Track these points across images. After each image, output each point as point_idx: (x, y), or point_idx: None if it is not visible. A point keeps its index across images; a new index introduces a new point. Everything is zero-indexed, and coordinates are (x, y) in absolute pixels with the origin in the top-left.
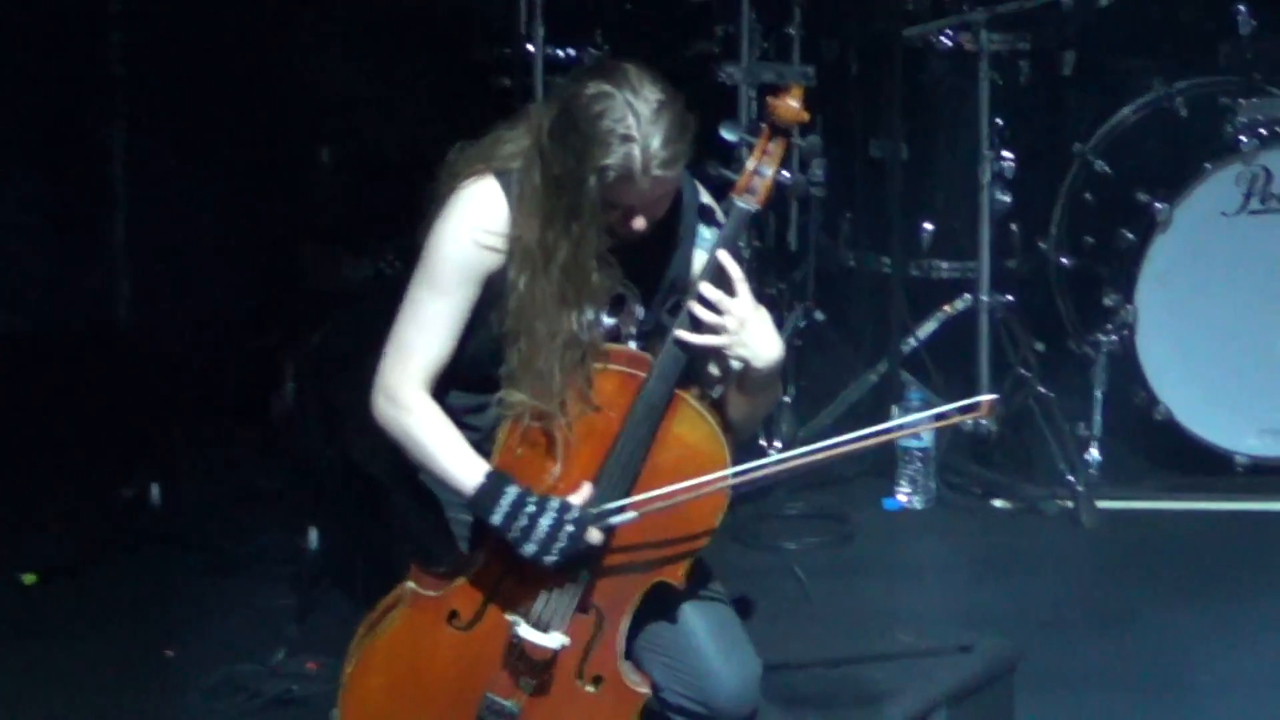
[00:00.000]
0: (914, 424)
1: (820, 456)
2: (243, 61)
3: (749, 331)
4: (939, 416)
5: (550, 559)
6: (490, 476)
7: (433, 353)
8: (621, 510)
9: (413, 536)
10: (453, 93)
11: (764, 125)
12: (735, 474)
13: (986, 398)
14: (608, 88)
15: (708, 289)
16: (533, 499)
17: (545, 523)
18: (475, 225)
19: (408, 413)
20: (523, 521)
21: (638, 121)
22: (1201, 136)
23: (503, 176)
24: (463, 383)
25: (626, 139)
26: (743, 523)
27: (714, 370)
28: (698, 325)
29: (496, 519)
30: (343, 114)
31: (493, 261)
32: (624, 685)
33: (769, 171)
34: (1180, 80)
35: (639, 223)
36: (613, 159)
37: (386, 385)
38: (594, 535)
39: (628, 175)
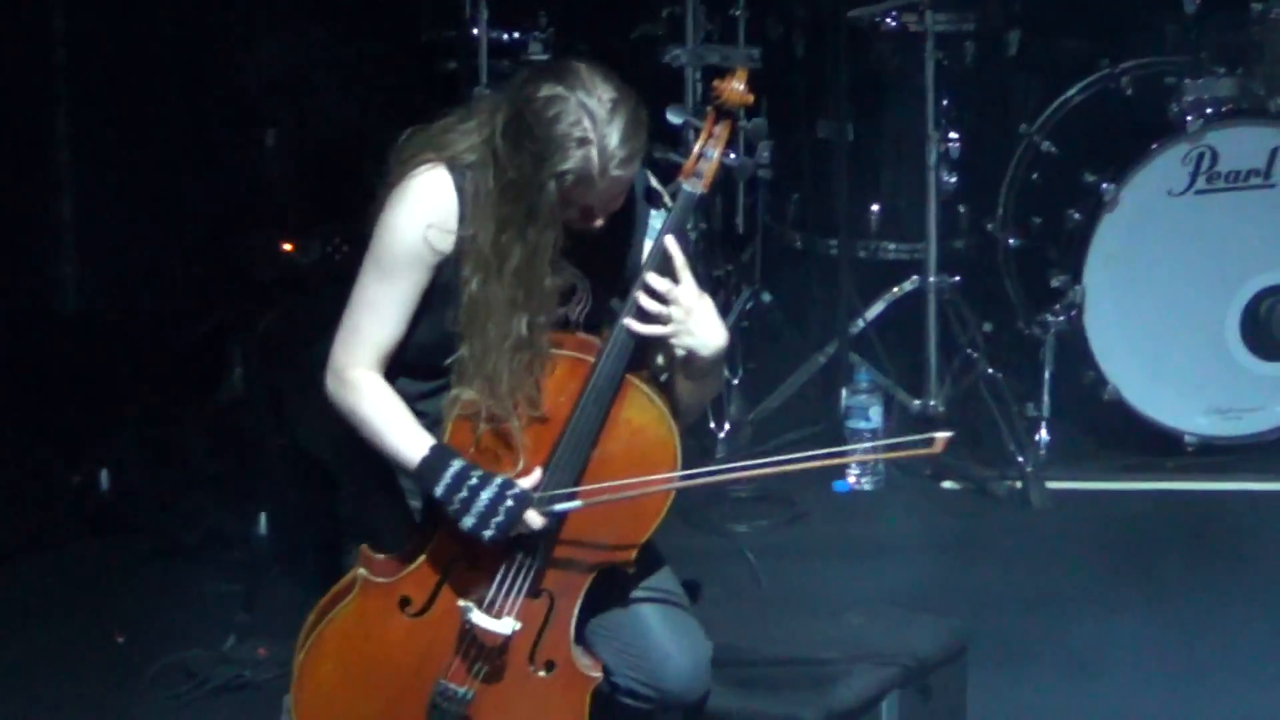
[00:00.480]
0: (865, 451)
1: (770, 471)
2: (187, 44)
3: (694, 319)
4: (891, 448)
5: (488, 533)
6: (435, 449)
7: (382, 335)
8: (567, 498)
9: (363, 522)
10: (398, 76)
11: (709, 108)
12: (688, 477)
13: (942, 435)
14: (560, 90)
15: (653, 278)
16: (477, 472)
17: (485, 496)
18: (424, 214)
19: (356, 391)
20: (463, 494)
21: (593, 123)
22: (1148, 116)
23: (454, 169)
24: (411, 370)
25: (583, 142)
26: (692, 505)
27: (660, 357)
28: (644, 313)
29: (438, 490)
30: (288, 97)
31: (441, 250)
32: (576, 669)
33: (715, 154)
34: (1126, 60)
35: (596, 220)
36: (570, 164)
37: (336, 365)
38: (533, 517)
39: (586, 178)
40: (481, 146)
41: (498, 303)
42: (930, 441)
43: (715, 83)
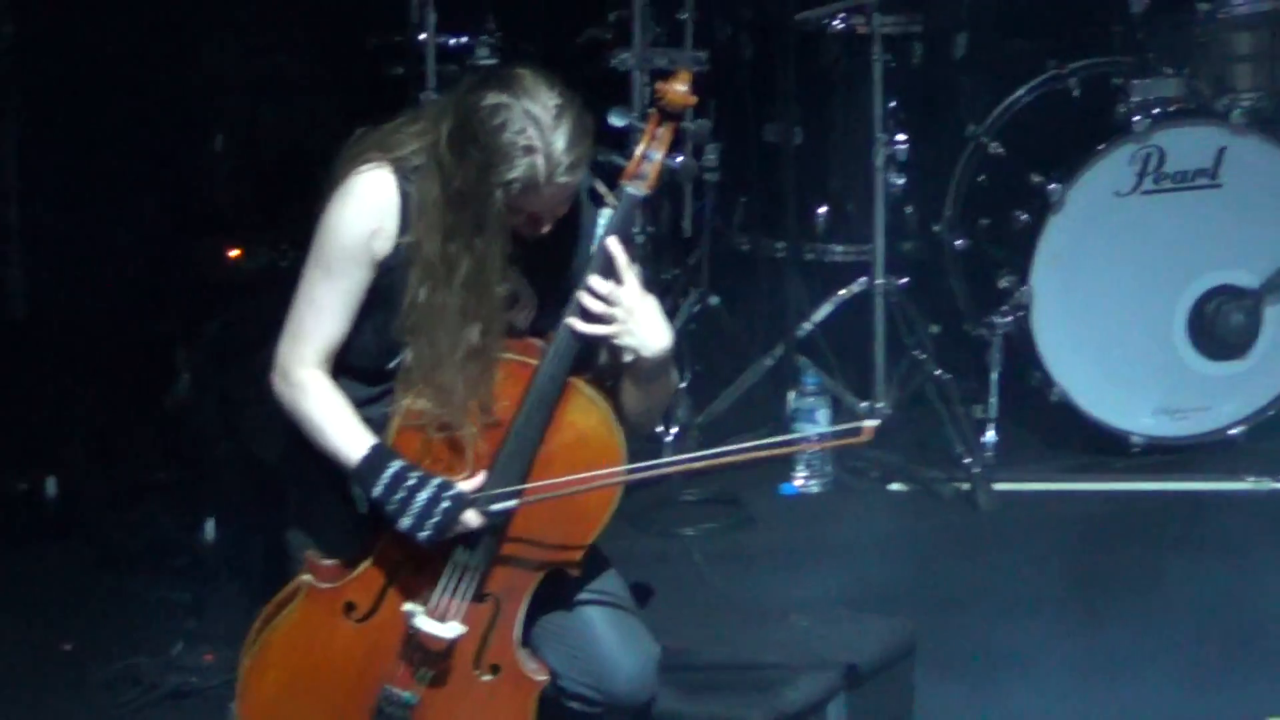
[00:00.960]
0: (797, 441)
1: (713, 463)
2: (135, 49)
3: (637, 320)
4: (822, 437)
5: (424, 534)
6: (375, 449)
7: (326, 333)
8: (506, 497)
9: (310, 528)
10: (346, 81)
11: (653, 111)
12: (628, 471)
13: (869, 422)
14: (505, 98)
15: (596, 279)
16: (415, 473)
17: (422, 497)
18: (367, 212)
19: (301, 390)
20: (400, 494)
21: (539, 131)
22: (1095, 117)
23: (399, 170)
24: (354, 373)
25: (529, 150)
26: (639, 509)
27: (606, 360)
28: (587, 314)
29: (377, 491)
30: (235, 102)
31: (383, 248)
32: (521, 673)
33: (658, 156)
34: (1074, 61)
35: (543, 225)
36: (516, 172)
37: (281, 365)
38: (471, 517)
39: (533, 186)
40: (427, 152)
41: (448, 313)
42: (859, 430)
43: (658, 85)
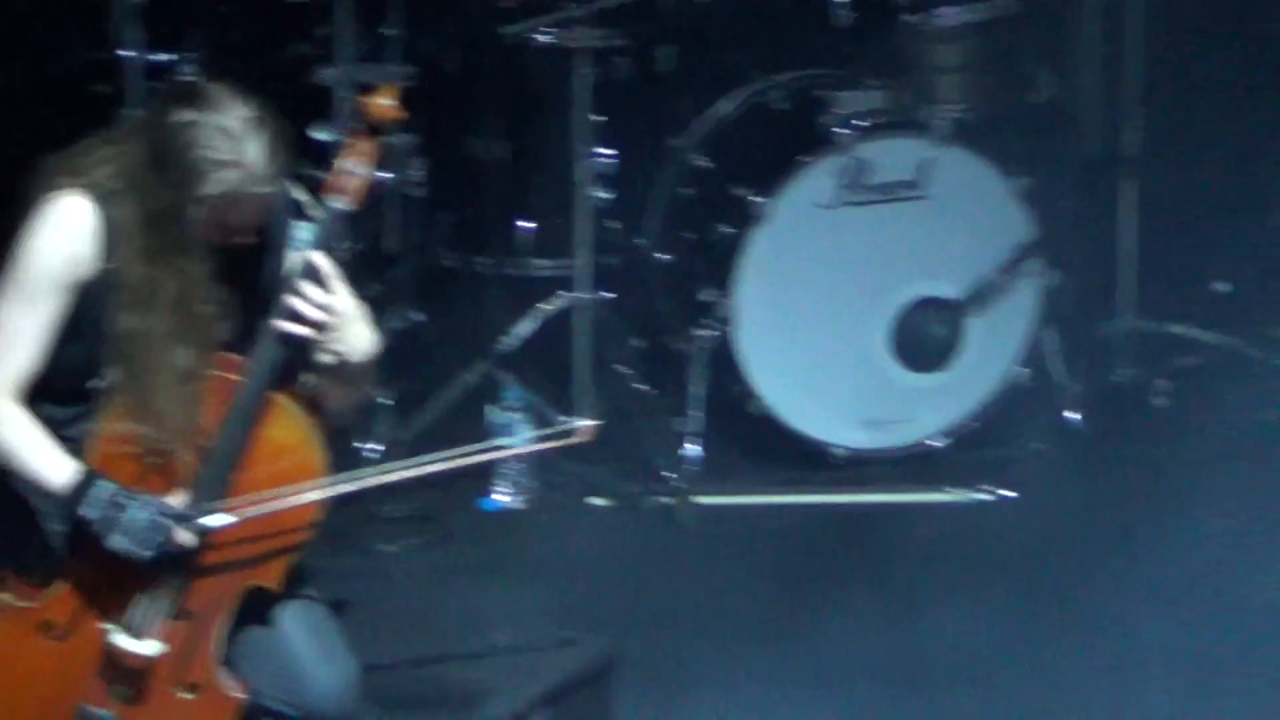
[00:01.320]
0: (512, 446)
1: (414, 473)
2: None
3: (344, 327)
4: (543, 439)
5: (139, 553)
6: (83, 472)
7: (21, 363)
8: (214, 513)
9: (5, 546)
10: (46, 100)
11: (355, 125)
12: (331, 484)
13: (584, 423)
14: (194, 114)
15: (301, 288)
16: (124, 494)
17: (135, 516)
18: (64, 239)
19: None
20: (112, 514)
21: (231, 144)
22: (799, 129)
23: (96, 194)
24: (55, 395)
25: (223, 164)
26: (339, 525)
27: (309, 367)
28: (295, 321)
29: (86, 511)
30: None
31: (83, 275)
32: (220, 691)
33: (360, 171)
34: (779, 74)
35: (241, 237)
36: (212, 188)
37: None
38: (183, 536)
39: (229, 199)
40: (123, 174)
41: (156, 337)
42: (571, 432)
43: (360, 99)
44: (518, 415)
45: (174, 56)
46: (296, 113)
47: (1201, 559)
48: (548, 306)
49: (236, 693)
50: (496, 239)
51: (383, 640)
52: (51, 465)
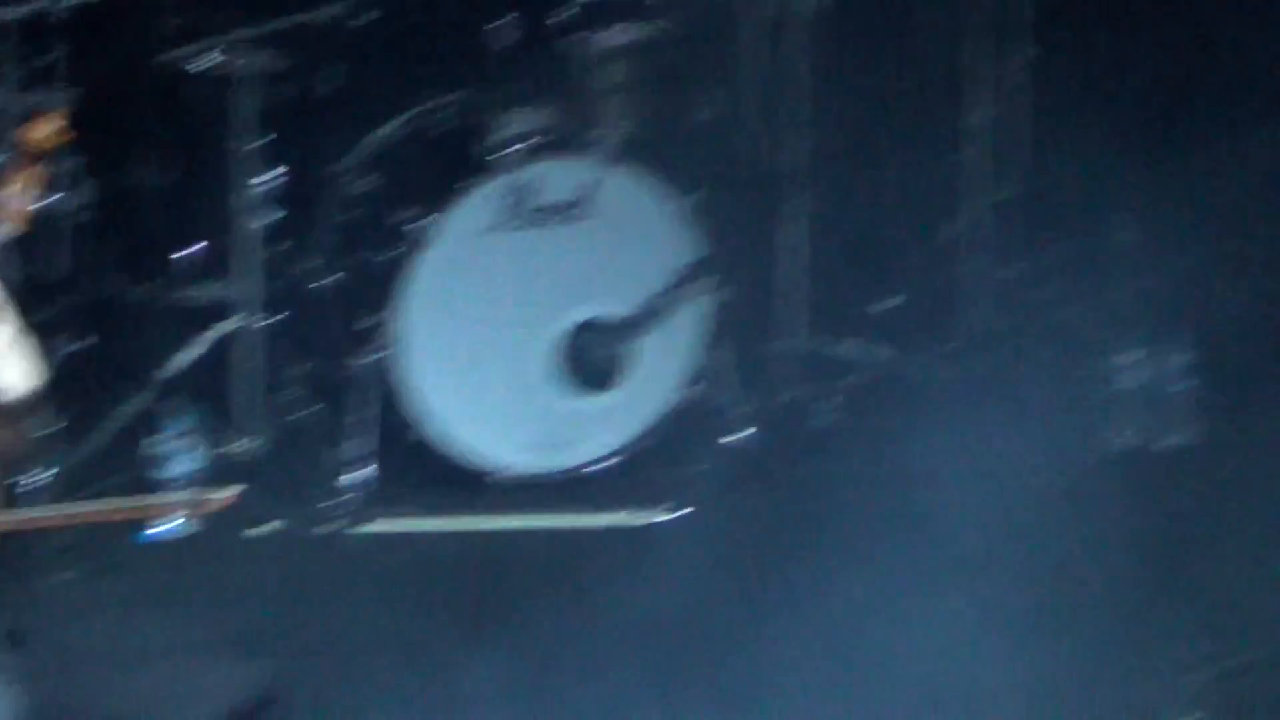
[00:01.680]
0: (151, 503)
1: (66, 519)
2: None
3: (5, 359)
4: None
5: None
6: None
7: None
8: None
9: None
10: None
11: (14, 152)
12: None
13: (220, 494)
14: None
15: None
16: None
17: None
18: None
19: None
20: None
21: None
22: (461, 152)
23: None
24: None
25: None
26: None
27: None
28: None
29: None
30: None
31: None
32: None
33: (23, 197)
34: (441, 97)
35: None
36: None
37: None
38: None
39: None
40: None
41: None
42: (202, 502)
43: (22, 126)
44: (180, 444)
45: None
46: None
47: (862, 575)
48: (211, 333)
49: None
50: (162, 265)
51: (47, 673)
52: None
